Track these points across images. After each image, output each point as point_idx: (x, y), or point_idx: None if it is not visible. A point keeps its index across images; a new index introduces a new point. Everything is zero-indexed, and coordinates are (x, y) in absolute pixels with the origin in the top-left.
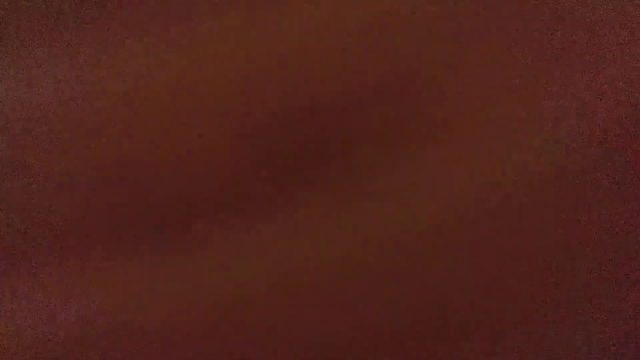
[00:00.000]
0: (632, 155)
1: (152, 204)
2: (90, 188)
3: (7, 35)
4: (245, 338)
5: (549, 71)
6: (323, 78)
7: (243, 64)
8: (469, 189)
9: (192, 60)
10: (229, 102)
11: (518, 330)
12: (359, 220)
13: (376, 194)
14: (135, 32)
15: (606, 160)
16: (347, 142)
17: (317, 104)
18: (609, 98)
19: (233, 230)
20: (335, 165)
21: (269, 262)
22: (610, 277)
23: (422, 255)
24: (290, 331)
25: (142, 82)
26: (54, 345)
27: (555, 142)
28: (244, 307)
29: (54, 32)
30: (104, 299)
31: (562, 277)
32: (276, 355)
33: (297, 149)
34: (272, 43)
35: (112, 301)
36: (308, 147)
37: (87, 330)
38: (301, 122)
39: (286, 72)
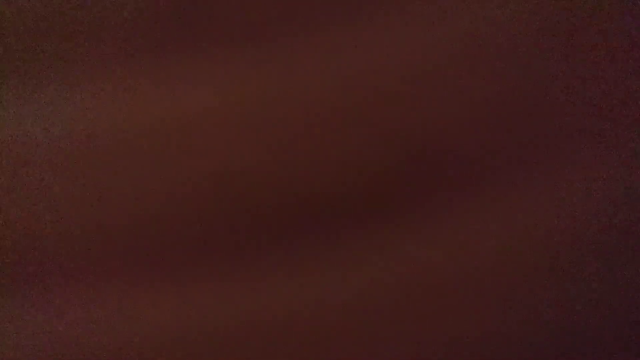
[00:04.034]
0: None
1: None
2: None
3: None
4: None
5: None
6: (321, 152)
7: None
8: (468, 262)
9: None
10: (219, 165)
11: None
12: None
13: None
14: (128, 82)
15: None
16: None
17: (314, 171)
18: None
19: (231, 277)
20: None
21: (266, 307)
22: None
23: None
24: None
25: (134, 131)
26: None
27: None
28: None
29: (45, 72)
30: (112, 330)
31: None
32: None
33: (301, 211)
34: (272, 107)
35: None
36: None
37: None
38: (301, 184)
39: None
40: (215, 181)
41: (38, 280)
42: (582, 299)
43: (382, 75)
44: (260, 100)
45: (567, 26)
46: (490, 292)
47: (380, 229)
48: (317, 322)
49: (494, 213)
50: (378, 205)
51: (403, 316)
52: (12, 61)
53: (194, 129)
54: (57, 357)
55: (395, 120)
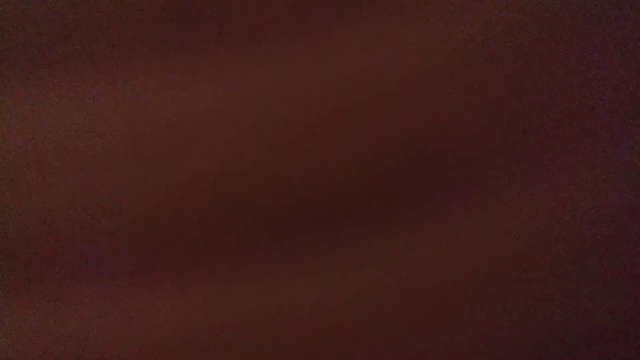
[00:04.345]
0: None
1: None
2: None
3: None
4: None
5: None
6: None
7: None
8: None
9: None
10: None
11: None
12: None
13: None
14: (136, 82)
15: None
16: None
17: (314, 171)
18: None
19: (232, 276)
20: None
21: (266, 306)
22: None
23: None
24: None
25: (141, 128)
26: None
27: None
28: (240, 348)
29: (47, 70)
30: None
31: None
32: None
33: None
34: (274, 108)
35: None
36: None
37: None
38: (304, 184)
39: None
40: (215, 181)
41: (38, 280)
42: (582, 299)
43: (382, 75)
44: (261, 100)
45: (567, 26)
46: (490, 292)
47: (380, 229)
48: (317, 322)
49: (494, 213)
50: (378, 205)
51: (403, 316)
52: (12, 61)
53: (194, 129)
54: (58, 357)
55: (395, 120)
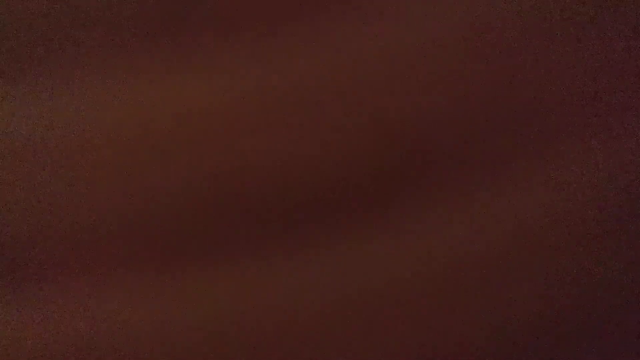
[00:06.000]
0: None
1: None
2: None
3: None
4: None
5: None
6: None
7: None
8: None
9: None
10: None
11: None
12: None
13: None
14: (123, 79)
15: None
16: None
17: (312, 168)
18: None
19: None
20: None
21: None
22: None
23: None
24: None
25: (135, 127)
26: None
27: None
28: (239, 345)
29: (53, 64)
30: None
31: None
32: None
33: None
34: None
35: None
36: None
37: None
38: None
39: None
40: (214, 179)
41: (37, 280)
42: (580, 298)
43: (383, 75)
44: (260, 98)
45: (564, 22)
46: (489, 289)
47: (380, 228)
48: (316, 320)
49: (492, 211)
50: (378, 202)
51: (402, 314)
52: (13, 61)
53: (192, 127)
54: (57, 357)
55: (397, 120)
